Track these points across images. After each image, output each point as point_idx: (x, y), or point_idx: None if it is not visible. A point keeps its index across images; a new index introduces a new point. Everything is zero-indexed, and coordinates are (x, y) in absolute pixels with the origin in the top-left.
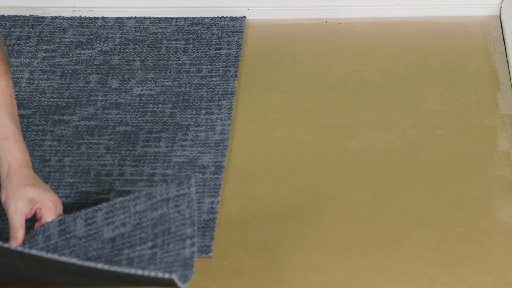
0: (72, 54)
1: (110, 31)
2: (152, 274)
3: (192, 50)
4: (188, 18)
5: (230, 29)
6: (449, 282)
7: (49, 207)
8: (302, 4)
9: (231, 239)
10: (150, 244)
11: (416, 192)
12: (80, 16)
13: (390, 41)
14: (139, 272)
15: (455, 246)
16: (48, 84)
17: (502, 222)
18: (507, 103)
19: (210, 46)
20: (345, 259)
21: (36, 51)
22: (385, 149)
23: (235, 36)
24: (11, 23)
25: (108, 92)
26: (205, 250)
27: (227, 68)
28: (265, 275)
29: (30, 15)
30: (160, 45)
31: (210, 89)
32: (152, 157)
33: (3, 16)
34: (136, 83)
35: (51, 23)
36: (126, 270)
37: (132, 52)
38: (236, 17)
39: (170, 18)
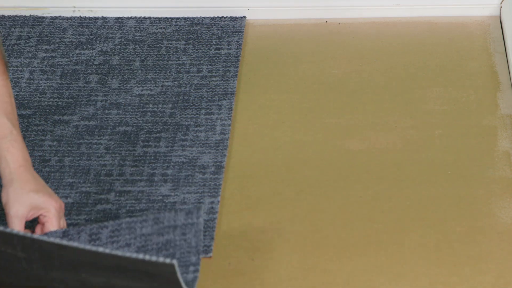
0: (72, 54)
1: (110, 31)
2: (153, 259)
3: (192, 50)
4: (188, 18)
5: (230, 29)
6: (449, 282)
7: (54, 215)
8: (302, 4)
9: (231, 239)
10: None
11: (416, 192)
12: (80, 16)
13: (390, 41)
14: (140, 257)
15: (455, 246)
16: (48, 84)
17: (502, 222)
18: (507, 103)
19: (210, 46)
20: (345, 259)
21: (36, 51)
22: (385, 149)
23: (235, 36)
24: (11, 23)
25: (108, 92)
26: (205, 250)
27: (227, 68)
28: (265, 275)
29: (30, 15)
30: (160, 45)
31: (210, 89)
32: (152, 157)
33: (3, 16)
34: (136, 83)
35: (51, 23)
36: (128, 254)
37: (132, 52)
38: (236, 17)
39: (170, 18)
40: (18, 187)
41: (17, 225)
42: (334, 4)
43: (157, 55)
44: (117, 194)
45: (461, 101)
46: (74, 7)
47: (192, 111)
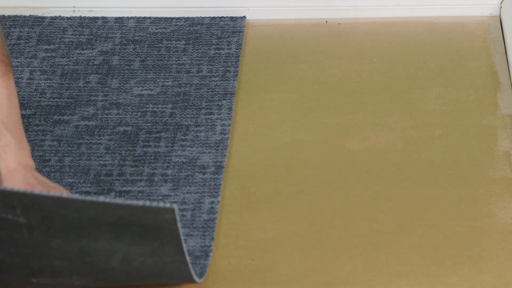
0: (72, 54)
1: (110, 31)
2: (154, 204)
3: (192, 50)
4: (188, 18)
5: (230, 29)
6: (449, 282)
7: None
8: (302, 4)
9: (231, 239)
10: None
11: (416, 192)
12: (80, 16)
13: (390, 41)
14: (140, 203)
15: (455, 246)
16: (48, 84)
17: (502, 222)
18: (507, 103)
19: (210, 46)
20: (345, 259)
21: (36, 51)
22: (385, 149)
23: (235, 36)
24: (11, 23)
25: (108, 92)
26: (205, 250)
27: (227, 68)
28: (265, 275)
29: (30, 15)
30: (160, 45)
31: (210, 89)
32: (152, 157)
33: (3, 16)
34: (136, 83)
35: (51, 23)
36: (128, 202)
37: (132, 52)
38: (236, 17)
39: (170, 18)
40: None
41: None
42: (334, 4)
43: (157, 55)
44: (117, 194)
45: (461, 101)
46: (74, 7)
47: (192, 111)
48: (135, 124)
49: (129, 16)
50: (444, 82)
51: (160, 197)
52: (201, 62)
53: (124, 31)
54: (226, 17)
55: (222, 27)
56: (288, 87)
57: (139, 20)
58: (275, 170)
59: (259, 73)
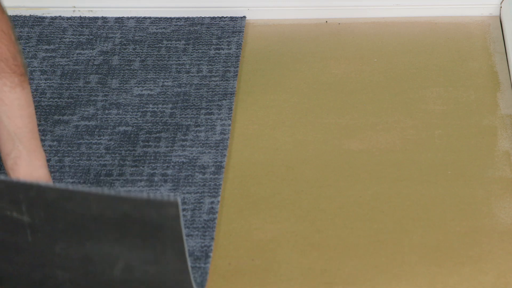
0: (72, 54)
1: (110, 31)
2: (158, 197)
3: (192, 50)
4: (188, 18)
5: (230, 29)
6: (449, 282)
7: None
8: (302, 4)
9: (231, 239)
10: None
11: (416, 192)
12: (80, 16)
13: (390, 41)
14: (145, 196)
15: (455, 246)
16: (48, 84)
17: (502, 222)
18: (507, 103)
19: (210, 46)
20: (345, 259)
21: (36, 51)
22: (385, 149)
23: (235, 36)
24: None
25: (108, 92)
26: (205, 250)
27: (227, 68)
28: (265, 275)
29: (30, 15)
30: (160, 45)
31: (210, 89)
32: (152, 157)
33: None
34: (136, 83)
35: (51, 23)
36: (133, 195)
37: (132, 52)
38: (236, 17)
39: (170, 18)
40: None
41: None
42: (334, 4)
43: (157, 55)
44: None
45: (461, 101)
46: (74, 7)
47: (192, 111)
48: (135, 124)
49: (129, 16)
50: (444, 82)
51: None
52: (201, 62)
53: (124, 31)
54: (226, 17)
55: (222, 27)
56: (288, 87)
57: (139, 20)
58: (275, 170)
59: (259, 73)
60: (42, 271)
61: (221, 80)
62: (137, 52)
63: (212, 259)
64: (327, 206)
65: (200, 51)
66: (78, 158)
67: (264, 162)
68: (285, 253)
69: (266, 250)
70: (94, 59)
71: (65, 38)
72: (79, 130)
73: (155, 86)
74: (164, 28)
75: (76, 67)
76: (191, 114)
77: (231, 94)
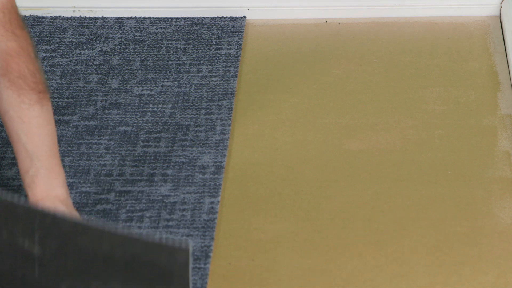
0: (72, 54)
1: (110, 31)
2: (169, 241)
3: (192, 50)
4: (188, 18)
5: (230, 29)
6: (449, 282)
7: None
8: (302, 4)
9: (231, 239)
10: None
11: (416, 192)
12: (80, 16)
13: (390, 41)
14: (157, 239)
15: (455, 246)
16: (48, 84)
17: (502, 222)
18: (507, 103)
19: (210, 46)
20: (345, 259)
21: (36, 51)
22: (385, 149)
23: (235, 36)
24: None
25: (108, 92)
26: (205, 250)
27: (227, 68)
28: (265, 275)
29: (30, 15)
30: (160, 45)
31: (210, 89)
32: (152, 157)
33: None
34: (136, 83)
35: (51, 23)
36: (144, 237)
37: (132, 52)
38: (236, 17)
39: (170, 18)
40: None
41: None
42: (334, 4)
43: (157, 55)
44: (117, 194)
45: (461, 101)
46: (74, 7)
47: (192, 111)
48: (135, 124)
49: (129, 16)
50: (444, 82)
51: (160, 197)
52: (201, 62)
53: (124, 31)
54: (226, 17)
55: (222, 27)
56: (288, 87)
57: (139, 20)
58: (275, 170)
59: (259, 73)
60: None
61: (221, 80)
62: (137, 52)
63: (212, 259)
64: (327, 206)
65: (200, 51)
66: (78, 158)
67: (264, 162)
68: (285, 253)
69: (266, 250)
70: (94, 59)
71: (65, 38)
72: (79, 130)
73: (155, 86)
74: (164, 28)
75: (76, 67)
76: (191, 114)
77: (231, 94)
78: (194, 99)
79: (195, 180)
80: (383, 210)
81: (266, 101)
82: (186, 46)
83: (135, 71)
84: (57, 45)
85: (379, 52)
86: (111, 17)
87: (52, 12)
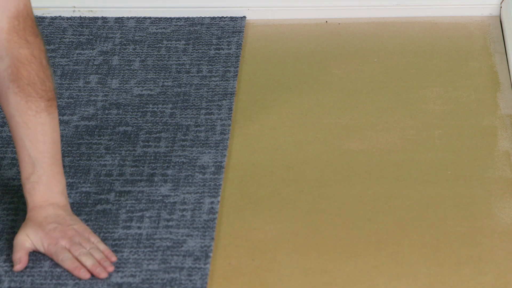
0: (72, 54)
1: (110, 31)
2: None
3: (192, 50)
4: (188, 18)
5: (230, 29)
6: (449, 282)
7: (46, 251)
8: (302, 4)
9: (231, 239)
10: None
11: (416, 192)
12: (80, 16)
13: (390, 41)
14: None
15: (455, 246)
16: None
17: (502, 223)
18: (507, 103)
19: (210, 46)
20: (345, 259)
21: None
22: (385, 149)
23: (235, 36)
24: None
25: (108, 92)
26: (205, 250)
27: (227, 68)
28: (265, 275)
29: None
30: (160, 45)
31: (210, 89)
32: (152, 157)
33: None
34: (136, 83)
35: (51, 23)
36: None
37: (132, 52)
38: (236, 17)
39: (170, 18)
40: (26, 225)
41: (16, 254)
42: (334, 4)
43: (157, 55)
44: (117, 194)
45: (461, 101)
46: (74, 7)
47: (192, 111)
48: (135, 124)
49: (129, 16)
50: (444, 82)
51: (160, 197)
52: (201, 62)
53: (124, 31)
54: (226, 17)
55: (222, 27)
56: (288, 87)
57: (139, 20)
58: (275, 170)
59: (259, 73)
60: None
61: (221, 80)
62: (137, 52)
63: (212, 259)
64: (327, 206)
65: (200, 51)
66: (78, 158)
67: (264, 162)
68: (285, 253)
69: (266, 250)
70: (94, 59)
71: (65, 38)
72: (79, 130)
73: (155, 86)
74: (164, 28)
75: (76, 67)
76: (191, 114)
77: (231, 94)
78: (194, 99)
79: (195, 180)
80: (383, 210)
81: (266, 101)
82: (186, 46)
83: (135, 71)
84: (57, 45)
85: (379, 52)
86: (111, 17)
87: (52, 12)
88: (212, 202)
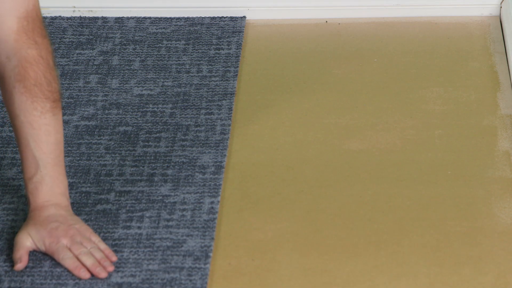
0: (72, 54)
1: (110, 31)
2: None
3: (192, 50)
4: (188, 18)
5: (230, 29)
6: (449, 282)
7: (48, 251)
8: (302, 4)
9: (231, 239)
10: None
11: (416, 192)
12: (80, 16)
13: (390, 41)
14: None
15: (455, 246)
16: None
17: (502, 223)
18: (507, 103)
19: (210, 46)
20: (345, 259)
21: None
22: (385, 149)
23: (235, 36)
24: None
25: (108, 92)
26: (205, 250)
27: (227, 68)
28: (265, 275)
29: None
30: (160, 45)
31: (210, 89)
32: (152, 157)
33: None
34: (136, 83)
35: (51, 23)
36: None
37: (132, 52)
38: (236, 17)
39: (170, 18)
40: (28, 224)
41: (17, 253)
42: (334, 4)
43: (157, 55)
44: (117, 194)
45: (461, 101)
46: (74, 7)
47: (192, 111)
48: (135, 124)
49: (129, 16)
50: (444, 82)
51: (160, 197)
52: (201, 62)
53: (124, 31)
54: (226, 17)
55: (222, 27)
56: (288, 87)
57: (139, 20)
58: (275, 170)
59: (259, 73)
60: None
61: (221, 80)
62: (137, 52)
63: (212, 259)
64: (327, 206)
65: (200, 51)
66: (78, 158)
67: (264, 162)
68: (285, 253)
69: (266, 250)
70: (94, 59)
71: (65, 38)
72: (79, 130)
73: (155, 86)
74: (164, 28)
75: (76, 67)
76: (191, 114)
77: (231, 94)
78: (194, 99)
79: (195, 180)
80: (383, 210)
81: (266, 101)
82: (186, 46)
83: (135, 71)
84: (57, 45)
85: (379, 52)
86: (111, 17)
87: (52, 12)
88: (212, 202)
